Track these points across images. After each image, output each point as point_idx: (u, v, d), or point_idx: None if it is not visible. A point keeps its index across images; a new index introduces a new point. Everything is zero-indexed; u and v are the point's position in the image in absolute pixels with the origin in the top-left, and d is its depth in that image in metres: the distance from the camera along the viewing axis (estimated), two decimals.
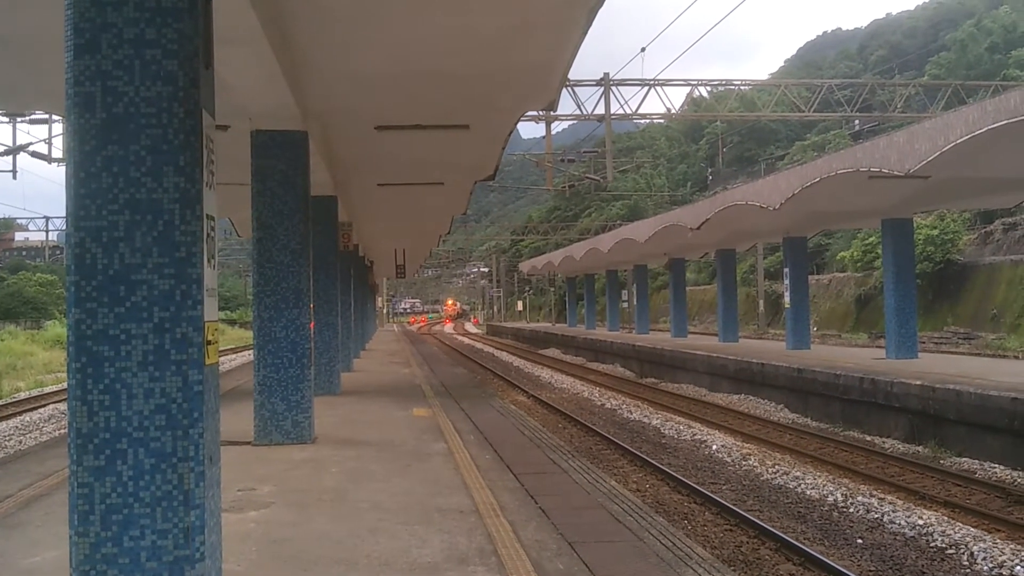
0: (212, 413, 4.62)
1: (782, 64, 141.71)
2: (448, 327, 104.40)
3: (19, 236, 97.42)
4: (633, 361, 34.23)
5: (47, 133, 24.93)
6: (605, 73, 27.50)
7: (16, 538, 6.41)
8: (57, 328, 51.39)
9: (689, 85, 30.68)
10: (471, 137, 13.79)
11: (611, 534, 6.59)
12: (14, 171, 30.12)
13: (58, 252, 62.05)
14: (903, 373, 17.54)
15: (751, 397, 22.55)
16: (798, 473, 13.31)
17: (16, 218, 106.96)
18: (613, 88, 27.64)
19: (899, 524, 10.46)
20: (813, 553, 9.18)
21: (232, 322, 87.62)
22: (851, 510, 11.28)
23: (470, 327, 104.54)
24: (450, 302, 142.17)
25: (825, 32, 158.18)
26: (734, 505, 11.37)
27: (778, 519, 11.05)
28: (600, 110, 27.64)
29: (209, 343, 4.57)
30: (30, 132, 28.27)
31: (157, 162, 4.40)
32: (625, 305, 53.31)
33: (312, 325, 11.32)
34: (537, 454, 10.42)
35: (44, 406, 23.36)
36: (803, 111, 32.84)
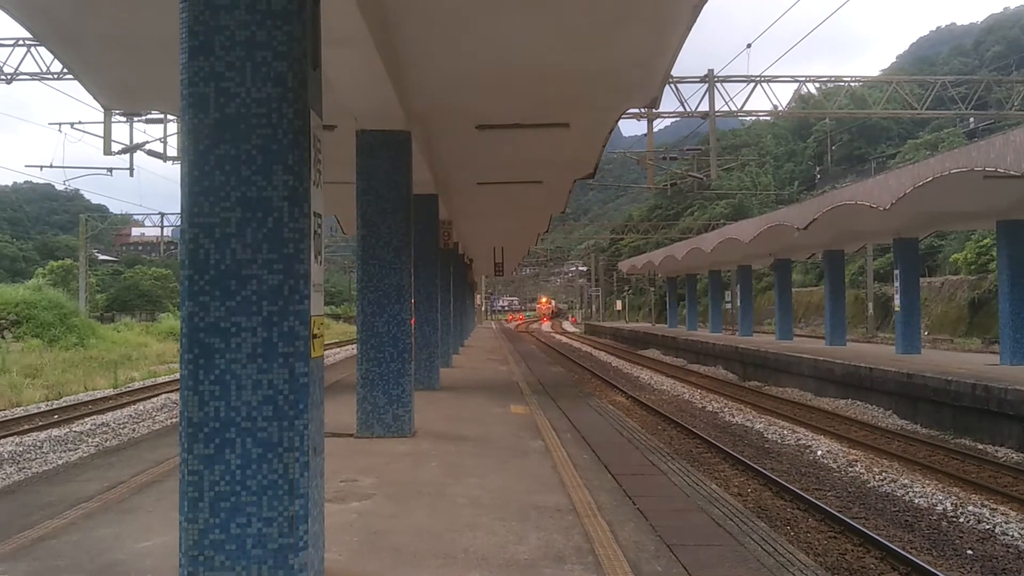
0: (317, 405, 4.73)
1: (894, 60, 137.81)
2: (546, 325, 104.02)
3: (136, 231, 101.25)
4: (736, 363, 33.69)
5: (162, 132, 25.87)
6: (709, 70, 27.13)
7: (129, 522, 6.67)
8: (171, 320, 53.33)
9: (796, 81, 29.95)
10: (571, 135, 13.78)
11: (711, 538, 6.51)
12: (131, 169, 31.37)
13: (172, 247, 64.22)
14: (1018, 380, 16.86)
15: (858, 402, 21.96)
16: (906, 481, 12.92)
17: (133, 214, 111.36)
18: (717, 85, 27.24)
19: (1012, 536, 10.05)
20: (921, 563, 8.89)
21: (336, 317, 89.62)
22: (961, 520, 10.89)
23: (568, 326, 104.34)
24: (544, 300, 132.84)
25: (939, 27, 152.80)
26: (839, 512, 11.10)
27: (884, 527, 10.74)
28: (704, 107, 27.25)
29: (315, 337, 4.68)
30: (146, 131, 29.57)
31: (267, 161, 4.53)
32: (728, 306, 52.47)
33: (413, 321, 11.47)
34: (635, 455, 10.35)
35: (157, 396, 24.22)
36: (915, 109, 31.74)
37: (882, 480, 13.13)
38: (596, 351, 51.12)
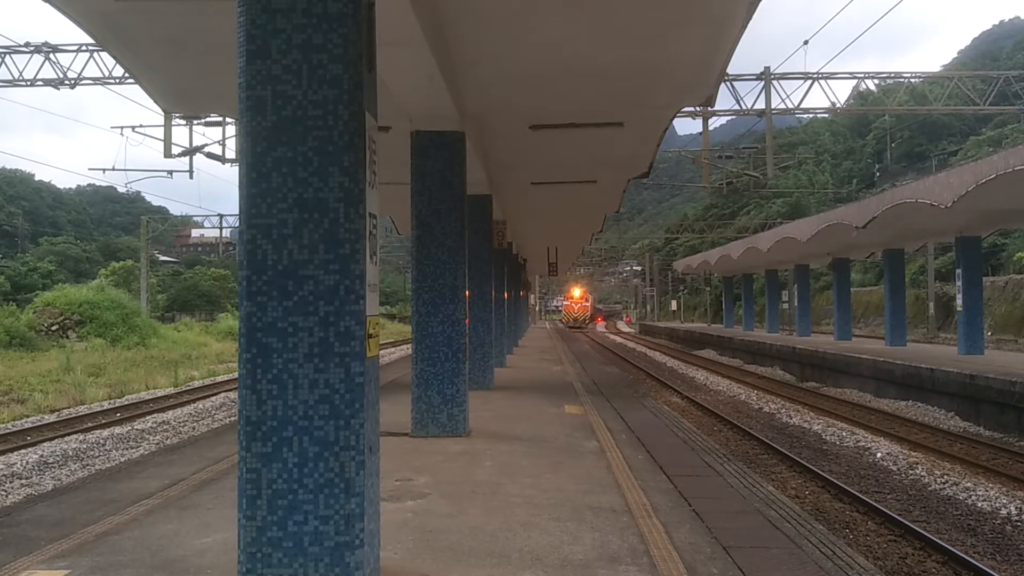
0: (372, 404, 4.77)
1: (955, 55, 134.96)
2: (600, 326, 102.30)
3: (195, 233, 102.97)
4: (793, 364, 33.26)
5: (221, 135, 26.23)
6: (766, 67, 26.87)
7: (189, 519, 6.78)
8: (229, 320, 54.20)
9: (855, 78, 29.53)
10: (625, 134, 13.72)
11: (768, 540, 6.42)
12: (191, 171, 31.99)
13: (231, 248, 65.24)
14: None
15: (919, 404, 21.55)
16: (969, 484, 12.65)
17: (192, 215, 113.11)
18: (774, 82, 26.96)
19: None
20: (984, 568, 8.70)
21: (392, 316, 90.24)
22: None
23: (622, 326, 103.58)
24: (577, 293, 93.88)
25: (1002, 21, 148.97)
26: (899, 515, 10.90)
27: (946, 531, 10.53)
28: (760, 105, 27.00)
29: (370, 337, 4.71)
30: (205, 134, 30.01)
31: (323, 163, 4.57)
32: (785, 306, 51.84)
33: (467, 321, 11.50)
34: (691, 456, 10.26)
35: (216, 394, 24.63)
36: (978, 104, 31.10)
37: (944, 483, 12.87)
38: (651, 351, 50.84)
